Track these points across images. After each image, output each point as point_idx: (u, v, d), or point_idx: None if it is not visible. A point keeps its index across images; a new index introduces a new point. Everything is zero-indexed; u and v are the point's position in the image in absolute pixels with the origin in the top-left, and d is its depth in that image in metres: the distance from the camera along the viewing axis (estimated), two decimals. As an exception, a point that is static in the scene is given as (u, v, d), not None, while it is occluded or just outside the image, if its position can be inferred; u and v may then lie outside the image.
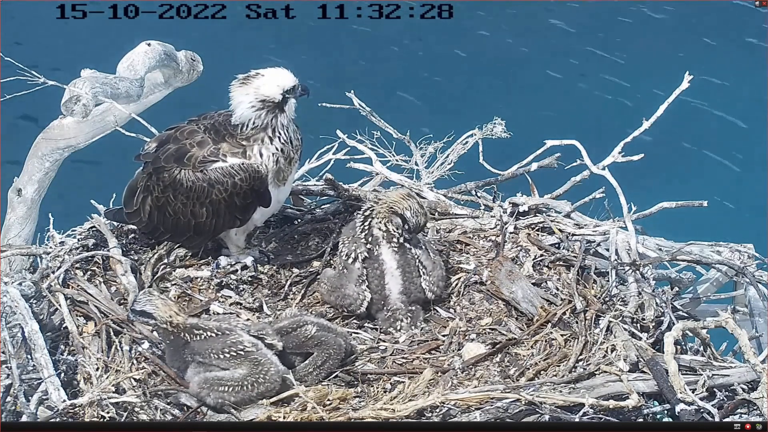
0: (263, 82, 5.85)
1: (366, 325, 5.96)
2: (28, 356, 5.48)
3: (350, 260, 5.91)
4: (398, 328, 5.88)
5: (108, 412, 5.17)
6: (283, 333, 5.53)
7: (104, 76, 6.73)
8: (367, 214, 5.94)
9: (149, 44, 7.05)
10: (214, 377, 5.32)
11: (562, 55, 14.90)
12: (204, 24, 13.90)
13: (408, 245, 5.93)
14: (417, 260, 5.93)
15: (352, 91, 7.42)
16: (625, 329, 5.65)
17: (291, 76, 5.89)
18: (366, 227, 5.91)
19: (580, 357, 5.56)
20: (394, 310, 5.89)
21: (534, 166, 6.88)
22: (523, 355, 5.66)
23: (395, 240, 5.90)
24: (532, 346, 5.71)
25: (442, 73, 14.63)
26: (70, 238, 6.20)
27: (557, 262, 6.19)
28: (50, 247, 6.13)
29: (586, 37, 15.13)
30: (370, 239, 5.90)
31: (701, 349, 5.79)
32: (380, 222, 5.90)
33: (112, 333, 5.63)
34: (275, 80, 5.86)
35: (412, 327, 5.88)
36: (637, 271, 5.97)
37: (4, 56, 6.77)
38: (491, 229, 6.46)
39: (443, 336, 5.86)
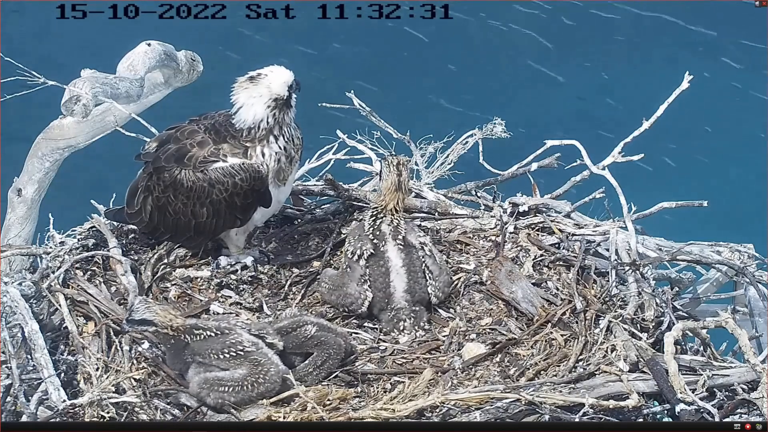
0: (272, 80, 5.85)
1: (366, 325, 5.96)
2: (28, 356, 5.48)
3: (355, 258, 5.90)
4: (401, 328, 5.87)
5: (108, 412, 5.17)
6: (283, 333, 5.53)
7: (104, 76, 6.72)
8: (377, 210, 5.95)
9: (149, 44, 7.04)
10: (214, 377, 5.32)
11: (563, 54, 14.90)
12: (204, 24, 13.91)
13: (414, 245, 5.92)
14: (423, 263, 5.92)
15: (352, 91, 7.42)
16: (625, 329, 5.65)
17: (290, 72, 5.91)
18: (374, 223, 5.91)
19: (580, 357, 5.56)
20: (398, 309, 5.88)
21: (534, 166, 6.88)
22: (523, 355, 5.66)
23: (401, 237, 5.91)
24: (532, 346, 5.71)
25: (443, 72, 14.63)
26: (70, 238, 6.19)
27: (557, 262, 6.20)
28: (50, 247, 6.13)
29: (587, 36, 15.13)
30: (378, 234, 5.90)
31: (701, 349, 5.79)
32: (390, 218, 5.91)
33: (112, 333, 5.63)
34: (280, 77, 5.87)
35: (415, 328, 5.88)
36: (637, 271, 5.97)
37: (4, 56, 6.77)
38: (491, 229, 6.46)
39: (443, 336, 5.86)
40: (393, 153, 6.14)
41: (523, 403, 5.18)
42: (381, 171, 5.98)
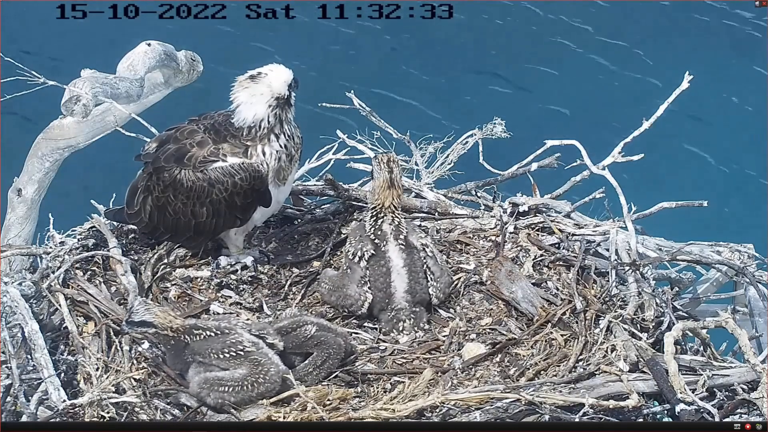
0: (272, 79, 5.85)
1: (366, 325, 5.95)
2: (28, 356, 5.48)
3: (356, 259, 5.90)
4: (401, 329, 5.87)
5: (108, 412, 5.17)
6: (283, 333, 5.53)
7: (104, 76, 6.73)
8: (376, 210, 5.94)
9: (149, 44, 7.05)
10: (214, 377, 5.32)
11: (563, 54, 14.90)
12: (204, 24, 13.91)
13: (415, 246, 5.92)
14: (424, 264, 5.92)
15: (352, 91, 7.42)
16: (625, 329, 5.65)
17: (289, 71, 5.92)
18: (376, 223, 5.91)
19: (580, 357, 5.56)
20: (398, 309, 5.88)
21: (534, 166, 6.88)
22: (523, 355, 5.66)
23: (403, 237, 5.91)
24: (532, 346, 5.71)
25: (443, 72, 14.63)
26: (70, 238, 6.19)
27: (557, 262, 6.19)
28: (50, 247, 6.13)
29: (586, 36, 15.13)
30: (379, 234, 5.90)
31: (701, 349, 5.78)
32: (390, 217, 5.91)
33: (112, 333, 5.63)
34: (280, 76, 5.87)
35: (415, 328, 5.88)
36: (637, 271, 5.97)
37: (4, 56, 6.77)
38: (491, 229, 6.46)
39: (443, 336, 5.86)
40: (384, 151, 6.12)
41: (523, 403, 5.18)
42: (372, 170, 5.98)
